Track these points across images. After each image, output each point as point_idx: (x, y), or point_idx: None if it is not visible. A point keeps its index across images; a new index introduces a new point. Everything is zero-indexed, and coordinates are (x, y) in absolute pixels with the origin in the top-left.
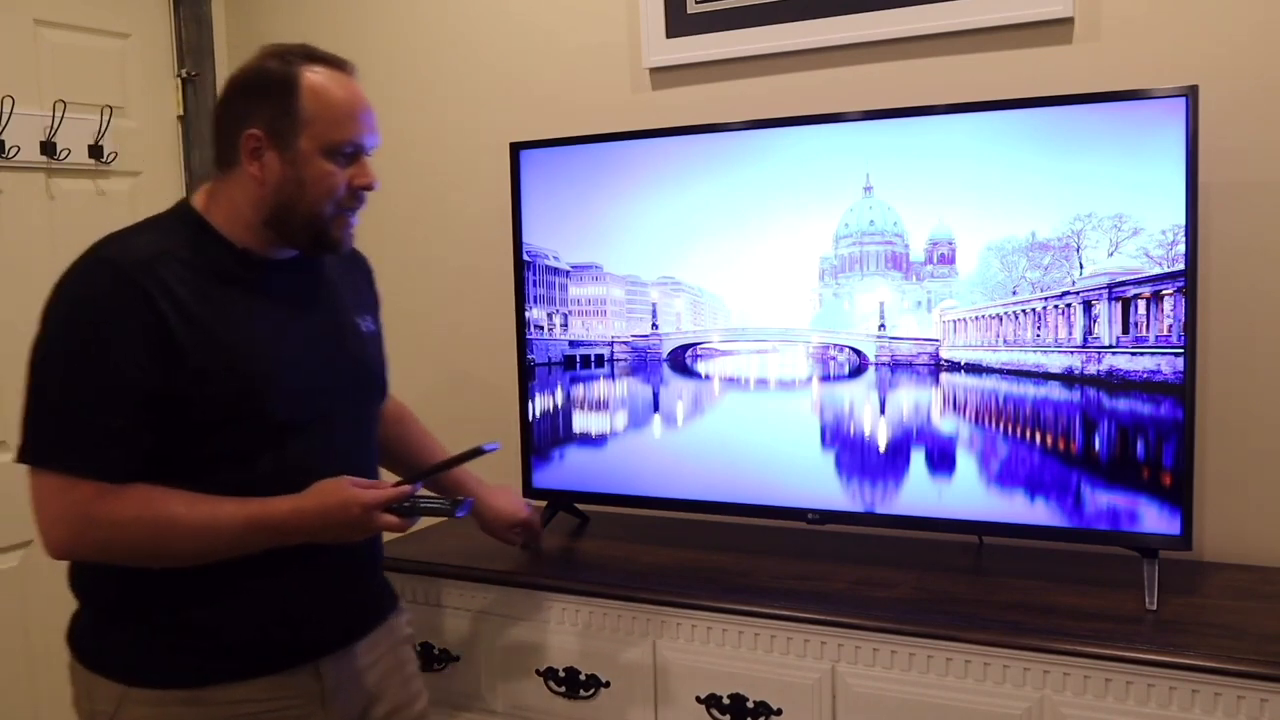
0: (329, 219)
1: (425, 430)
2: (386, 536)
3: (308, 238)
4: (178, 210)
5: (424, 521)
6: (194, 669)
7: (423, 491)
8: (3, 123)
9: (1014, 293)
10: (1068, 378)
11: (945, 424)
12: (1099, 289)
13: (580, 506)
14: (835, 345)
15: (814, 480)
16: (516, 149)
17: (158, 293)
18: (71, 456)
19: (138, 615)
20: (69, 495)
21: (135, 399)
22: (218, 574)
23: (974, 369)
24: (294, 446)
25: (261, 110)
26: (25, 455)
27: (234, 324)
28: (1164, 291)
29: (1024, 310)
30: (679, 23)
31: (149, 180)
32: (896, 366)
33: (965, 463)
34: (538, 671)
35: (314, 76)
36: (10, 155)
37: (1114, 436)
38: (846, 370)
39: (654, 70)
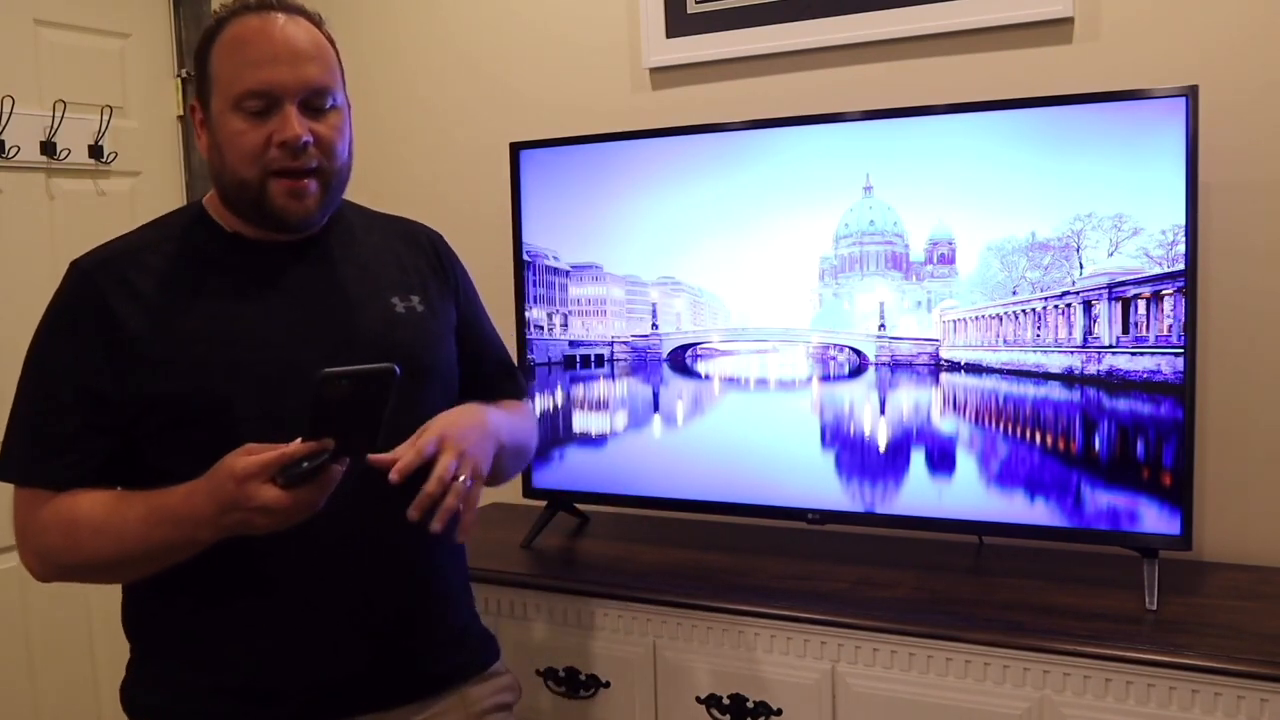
0: (258, 185)
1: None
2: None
3: (251, 210)
4: (190, 203)
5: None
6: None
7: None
8: (3, 123)
9: (1014, 293)
10: (1068, 378)
11: (945, 424)
12: (1099, 289)
13: (580, 506)
14: (835, 345)
15: (814, 480)
16: (516, 149)
17: (114, 288)
18: (23, 467)
19: (156, 665)
20: (22, 507)
21: (86, 402)
22: (193, 628)
23: (974, 369)
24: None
25: (195, 79)
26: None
27: (204, 312)
28: (1164, 291)
29: (1024, 310)
30: (679, 23)
31: (149, 180)
32: (896, 366)
33: (965, 463)
34: (538, 671)
35: (228, 30)
36: (10, 155)
37: (1114, 436)
38: (846, 370)
39: (654, 70)
